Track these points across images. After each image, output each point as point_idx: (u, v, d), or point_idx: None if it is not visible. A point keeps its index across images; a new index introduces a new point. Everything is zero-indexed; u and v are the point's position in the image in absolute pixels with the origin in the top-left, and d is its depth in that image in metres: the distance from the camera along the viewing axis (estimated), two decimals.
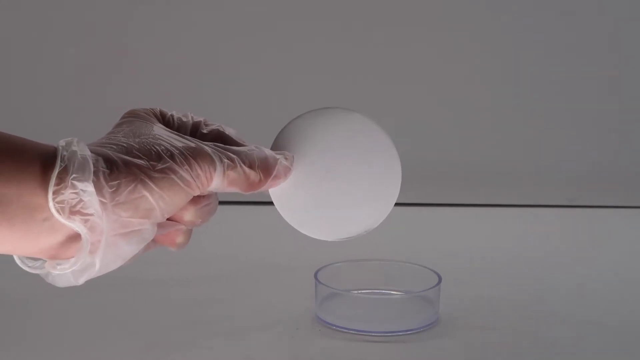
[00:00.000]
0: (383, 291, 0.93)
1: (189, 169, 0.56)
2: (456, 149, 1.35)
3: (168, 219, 0.59)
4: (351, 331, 0.84)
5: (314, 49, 1.33)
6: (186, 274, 1.00)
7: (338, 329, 0.85)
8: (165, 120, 0.62)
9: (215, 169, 0.57)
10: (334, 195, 0.62)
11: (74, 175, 0.52)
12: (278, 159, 0.61)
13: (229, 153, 0.58)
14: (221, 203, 1.29)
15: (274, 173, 0.60)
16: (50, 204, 0.52)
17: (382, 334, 0.83)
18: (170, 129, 0.60)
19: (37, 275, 0.91)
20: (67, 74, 1.34)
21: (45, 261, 0.56)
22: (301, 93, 1.31)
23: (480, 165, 1.35)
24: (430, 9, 1.32)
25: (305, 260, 1.00)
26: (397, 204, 1.31)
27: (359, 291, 0.92)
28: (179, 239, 0.61)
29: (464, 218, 1.29)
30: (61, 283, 0.56)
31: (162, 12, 1.33)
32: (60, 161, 0.53)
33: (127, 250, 0.56)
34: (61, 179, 0.52)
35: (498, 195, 1.33)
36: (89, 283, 0.96)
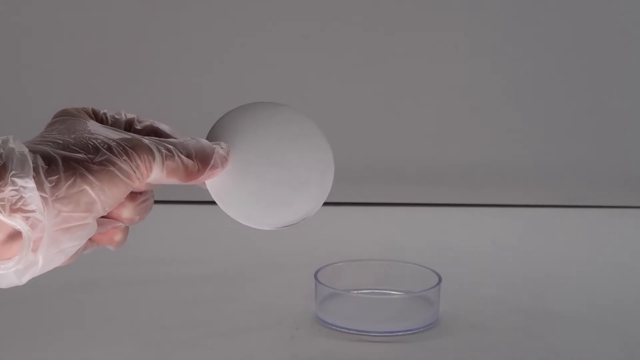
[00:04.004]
0: (383, 291, 0.93)
1: (128, 160, 0.56)
2: (456, 149, 1.35)
3: (106, 217, 0.59)
4: (351, 331, 0.84)
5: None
6: (186, 274, 1.00)
7: (338, 329, 0.85)
8: (98, 118, 0.61)
9: (154, 159, 0.57)
10: (270, 185, 0.63)
11: (13, 172, 0.51)
12: (215, 149, 0.61)
13: (166, 144, 0.58)
14: None
15: (212, 162, 0.60)
16: None
17: (382, 334, 0.83)
18: None
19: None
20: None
21: None
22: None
23: (480, 165, 1.35)
24: (428, 9, 1.32)
25: (305, 260, 1.00)
26: (397, 204, 1.32)
27: (359, 291, 0.92)
28: (118, 236, 0.61)
29: (464, 218, 1.29)
30: (3, 284, 0.54)
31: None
32: None
33: (70, 246, 0.55)
34: (0, 176, 0.51)
35: (498, 195, 1.33)
36: (89, 282, 0.97)
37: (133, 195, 0.59)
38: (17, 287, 0.92)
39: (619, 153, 1.35)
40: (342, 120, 1.31)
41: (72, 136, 0.56)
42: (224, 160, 0.62)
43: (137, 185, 0.57)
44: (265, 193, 0.63)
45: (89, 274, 0.99)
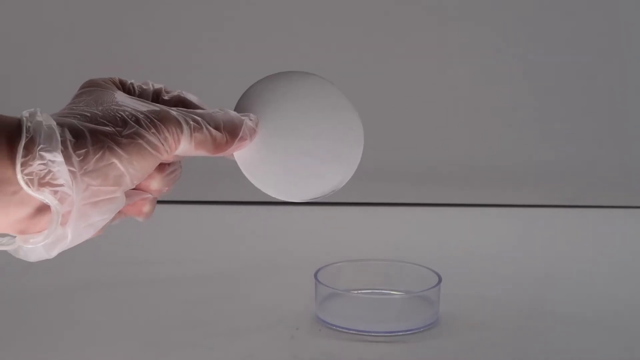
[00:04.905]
0: (383, 291, 0.92)
1: (156, 133, 0.55)
2: (456, 149, 1.35)
3: (134, 189, 0.59)
4: (351, 331, 0.84)
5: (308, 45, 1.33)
6: (186, 274, 1.00)
7: (338, 329, 0.85)
8: (126, 89, 0.61)
9: (182, 132, 0.56)
10: (300, 156, 0.62)
11: (41, 145, 0.51)
12: (243, 120, 0.61)
13: (194, 115, 0.58)
14: (221, 203, 1.29)
15: (240, 134, 0.60)
16: (19, 176, 0.51)
17: (382, 334, 0.83)
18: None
19: (36, 275, 0.91)
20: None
21: (13, 237, 0.54)
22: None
23: (480, 165, 1.35)
24: (433, 8, 1.32)
25: (305, 260, 1.00)
26: (397, 204, 1.32)
27: (359, 291, 0.92)
28: (146, 208, 0.60)
29: (464, 218, 1.29)
30: (33, 257, 0.54)
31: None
32: (26, 132, 0.52)
33: (99, 219, 0.55)
34: (28, 150, 0.51)
35: (498, 195, 1.33)
36: (89, 282, 0.97)
37: (161, 167, 0.59)
38: (16, 287, 0.92)
39: (619, 153, 1.35)
40: None
41: (100, 108, 0.55)
42: (253, 132, 0.61)
43: (165, 158, 0.57)
44: (293, 165, 0.62)
45: (89, 274, 0.99)
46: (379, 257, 0.96)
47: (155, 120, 0.56)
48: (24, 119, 0.53)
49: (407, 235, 1.20)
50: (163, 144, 0.56)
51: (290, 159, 0.62)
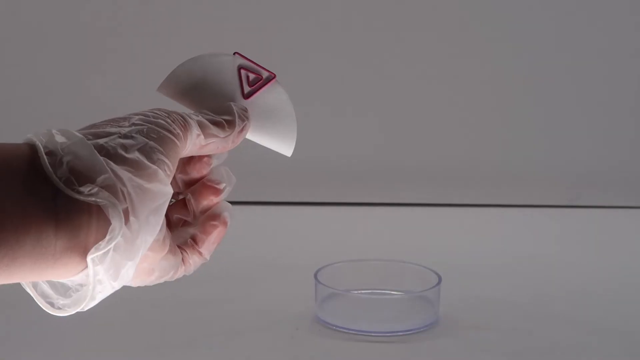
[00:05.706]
0: (383, 291, 0.93)
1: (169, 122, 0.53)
2: (456, 149, 1.35)
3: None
4: (351, 331, 0.84)
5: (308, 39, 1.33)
6: (186, 274, 1.00)
7: (338, 329, 0.85)
8: None
9: (185, 119, 0.54)
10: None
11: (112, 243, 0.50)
12: (233, 107, 0.58)
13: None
14: None
15: (238, 114, 0.58)
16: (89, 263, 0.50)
17: (382, 334, 0.83)
18: None
19: None
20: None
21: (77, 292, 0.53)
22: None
23: (480, 165, 1.35)
24: (434, 9, 1.32)
25: (305, 260, 1.00)
26: (397, 204, 1.32)
27: (359, 291, 0.92)
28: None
29: (464, 218, 1.29)
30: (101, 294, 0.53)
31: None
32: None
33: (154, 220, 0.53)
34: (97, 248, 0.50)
35: (498, 195, 1.33)
36: None
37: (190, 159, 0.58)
38: (12, 287, 0.92)
39: (619, 153, 1.35)
40: (342, 121, 1.31)
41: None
42: (245, 111, 0.60)
43: (182, 144, 0.54)
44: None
45: None
46: (379, 257, 0.96)
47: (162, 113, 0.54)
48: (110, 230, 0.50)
49: (407, 235, 1.20)
50: (175, 128, 0.53)
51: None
